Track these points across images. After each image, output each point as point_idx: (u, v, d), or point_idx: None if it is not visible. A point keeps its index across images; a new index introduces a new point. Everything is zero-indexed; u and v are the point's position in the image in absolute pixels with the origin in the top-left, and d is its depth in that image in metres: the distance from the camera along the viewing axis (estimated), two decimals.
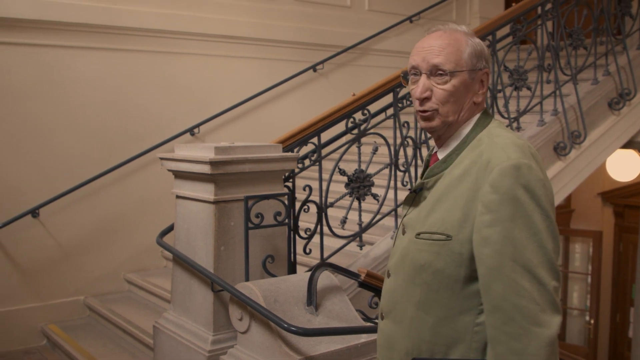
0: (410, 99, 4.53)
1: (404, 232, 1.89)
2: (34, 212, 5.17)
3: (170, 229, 4.01)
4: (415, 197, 1.89)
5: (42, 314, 5.26)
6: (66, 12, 5.31)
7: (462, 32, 1.84)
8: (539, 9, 5.42)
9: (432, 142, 2.01)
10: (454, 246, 1.71)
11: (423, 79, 1.79)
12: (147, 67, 5.82)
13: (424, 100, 1.80)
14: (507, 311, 1.60)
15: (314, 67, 6.81)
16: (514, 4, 5.50)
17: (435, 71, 1.78)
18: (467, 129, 1.84)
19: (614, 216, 9.93)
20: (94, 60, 5.53)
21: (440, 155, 1.86)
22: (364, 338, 3.24)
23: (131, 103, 5.72)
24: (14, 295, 5.15)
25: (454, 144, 1.84)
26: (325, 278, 3.51)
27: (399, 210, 1.73)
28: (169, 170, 3.85)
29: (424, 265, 1.76)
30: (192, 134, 5.98)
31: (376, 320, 3.65)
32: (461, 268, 1.71)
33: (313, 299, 3.33)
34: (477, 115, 1.86)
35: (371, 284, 3.54)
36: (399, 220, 2.02)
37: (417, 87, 1.80)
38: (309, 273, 3.38)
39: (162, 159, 3.87)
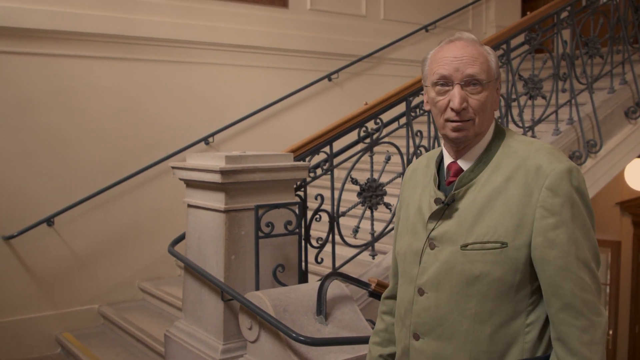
0: (423, 107, 4.58)
1: (432, 247, 1.84)
2: (49, 221, 5.20)
3: (182, 237, 4.02)
4: (446, 210, 1.84)
5: (56, 322, 5.29)
6: (82, 23, 5.37)
7: (479, 43, 1.85)
8: (555, 18, 5.38)
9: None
10: (510, 253, 1.73)
11: (457, 89, 1.78)
12: (162, 77, 5.85)
13: (462, 111, 1.78)
14: (577, 307, 1.69)
15: (328, 77, 6.82)
16: (529, 13, 5.47)
17: (470, 81, 1.78)
18: (488, 137, 1.85)
19: (632, 226, 9.81)
20: (109, 70, 5.58)
21: (465, 165, 1.85)
22: None
23: (146, 112, 5.76)
24: (29, 304, 5.19)
25: (477, 153, 1.84)
26: (336, 287, 3.50)
27: (413, 222, 1.70)
28: (181, 179, 3.87)
29: (479, 276, 1.74)
30: (207, 143, 6.00)
31: None
32: (517, 274, 1.73)
33: (323, 308, 3.32)
34: (493, 124, 1.87)
35: (381, 294, 3.52)
36: (419, 234, 1.93)
37: (455, 98, 1.77)
38: (319, 282, 3.37)
39: (174, 167, 3.88)
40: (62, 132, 5.35)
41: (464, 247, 1.77)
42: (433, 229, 1.85)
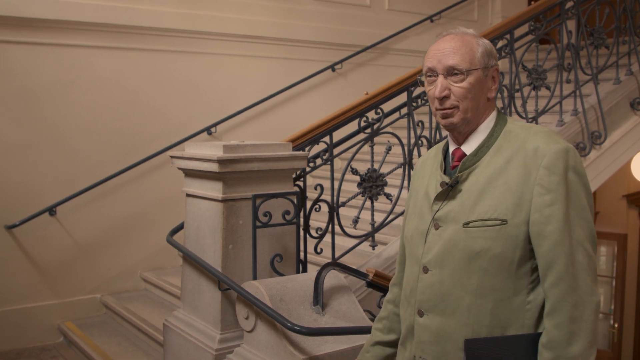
0: (425, 98, 4.56)
1: (436, 227, 1.94)
2: (51, 210, 5.21)
3: (181, 227, 4.02)
4: (450, 191, 1.94)
5: (59, 312, 5.31)
6: (85, 12, 5.36)
7: (471, 35, 1.97)
8: (560, 8, 5.33)
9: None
10: (510, 229, 1.81)
11: (440, 79, 1.91)
12: (166, 67, 5.84)
13: (443, 99, 1.92)
14: (570, 282, 1.76)
15: (332, 67, 6.79)
16: (533, 2, 5.42)
17: (451, 71, 1.90)
18: (490, 123, 1.97)
19: (639, 219, 9.76)
20: (113, 60, 5.57)
21: (467, 150, 1.96)
22: None
23: (149, 102, 5.75)
24: (32, 293, 5.21)
25: (480, 138, 1.95)
26: (333, 278, 3.48)
27: (420, 206, 1.77)
28: (179, 169, 3.86)
29: (480, 251, 1.83)
30: (209, 134, 5.99)
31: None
32: (517, 250, 1.81)
33: (320, 298, 3.31)
34: (495, 111, 1.99)
35: (379, 284, 3.52)
36: (424, 217, 1.99)
37: (436, 87, 1.92)
38: (316, 273, 3.36)
39: (172, 157, 3.88)
40: (65, 122, 5.35)
41: (466, 224, 1.87)
42: (438, 210, 1.95)
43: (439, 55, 1.93)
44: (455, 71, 1.90)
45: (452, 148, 2.02)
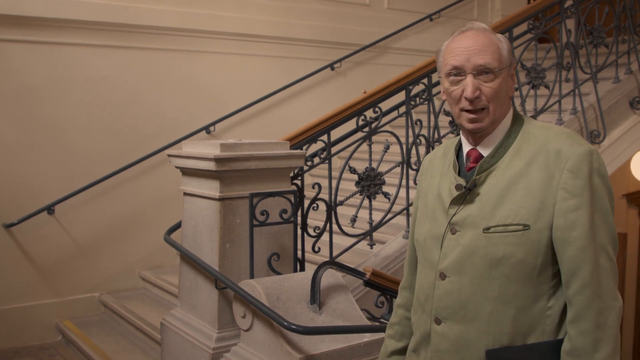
0: (424, 96, 4.55)
1: (453, 232, 1.87)
2: (50, 209, 5.21)
3: (178, 226, 4.02)
4: (467, 195, 1.87)
5: (57, 310, 5.31)
6: (83, 11, 5.35)
7: (490, 31, 1.90)
8: (559, 6, 5.32)
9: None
10: (532, 235, 1.76)
11: (470, 79, 1.83)
12: (165, 65, 5.84)
13: (475, 100, 1.83)
14: (594, 289, 1.72)
15: (331, 66, 6.78)
16: (532, 1, 5.41)
17: (482, 70, 1.82)
18: (507, 123, 1.89)
19: (639, 218, 9.74)
20: (111, 58, 5.57)
21: (484, 151, 1.89)
22: (367, 337, 3.20)
23: (148, 101, 5.75)
24: (30, 292, 5.20)
25: (497, 138, 1.88)
26: (331, 277, 3.48)
27: (433, 208, 1.71)
28: (177, 167, 3.85)
29: (502, 258, 1.78)
30: (208, 132, 5.99)
31: (382, 320, 3.62)
32: (539, 256, 1.77)
33: (317, 297, 3.31)
34: (511, 110, 1.92)
35: (377, 283, 3.51)
36: (438, 220, 1.92)
37: (468, 87, 1.83)
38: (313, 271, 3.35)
39: (170, 155, 3.87)
40: (63, 121, 5.34)
41: (487, 230, 1.81)
42: (454, 214, 1.88)
43: (468, 53, 1.83)
44: (486, 70, 1.82)
45: (466, 148, 1.94)
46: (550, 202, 1.75)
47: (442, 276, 1.88)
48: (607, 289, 1.73)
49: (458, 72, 1.85)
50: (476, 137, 1.90)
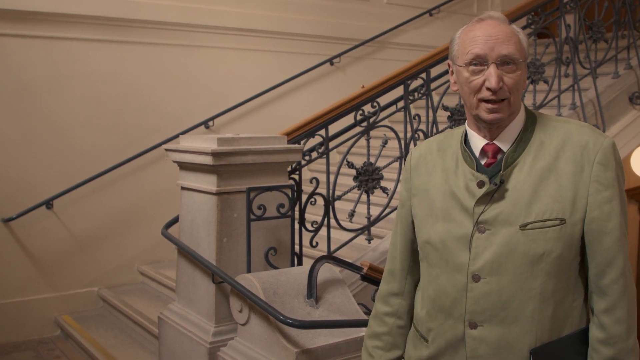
0: (422, 91, 4.54)
1: (482, 231, 1.80)
2: (48, 204, 5.21)
3: (176, 220, 4.02)
4: (495, 191, 1.81)
5: (56, 305, 5.31)
6: (82, 5, 5.34)
7: (509, 22, 1.84)
8: (558, 1, 5.31)
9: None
10: (568, 229, 1.76)
11: (493, 68, 1.75)
12: (163, 60, 5.83)
13: (498, 91, 1.76)
14: (628, 277, 1.77)
15: (330, 61, 6.77)
16: None
17: (505, 61, 1.76)
18: (522, 117, 1.85)
19: (638, 214, 9.73)
20: (110, 53, 5.56)
21: (504, 146, 1.83)
22: (364, 331, 3.19)
23: (146, 96, 5.74)
24: (29, 286, 5.21)
25: (514, 132, 1.83)
26: (328, 271, 3.48)
27: (444, 208, 1.63)
28: (174, 162, 3.85)
29: (542, 254, 1.75)
30: (207, 127, 5.98)
31: None
32: (572, 249, 1.78)
33: (313, 291, 3.31)
34: (522, 104, 1.88)
35: (374, 278, 3.51)
36: (457, 220, 1.85)
37: (492, 77, 1.75)
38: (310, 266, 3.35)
39: (167, 150, 3.87)
40: (61, 116, 5.34)
41: (524, 227, 1.76)
42: (482, 213, 1.80)
43: (491, 43, 1.76)
44: (509, 61, 1.76)
45: (480, 143, 1.86)
46: (582, 195, 1.75)
47: (476, 278, 1.80)
48: (630, 274, 1.78)
49: (480, 61, 1.78)
50: (492, 130, 1.83)
